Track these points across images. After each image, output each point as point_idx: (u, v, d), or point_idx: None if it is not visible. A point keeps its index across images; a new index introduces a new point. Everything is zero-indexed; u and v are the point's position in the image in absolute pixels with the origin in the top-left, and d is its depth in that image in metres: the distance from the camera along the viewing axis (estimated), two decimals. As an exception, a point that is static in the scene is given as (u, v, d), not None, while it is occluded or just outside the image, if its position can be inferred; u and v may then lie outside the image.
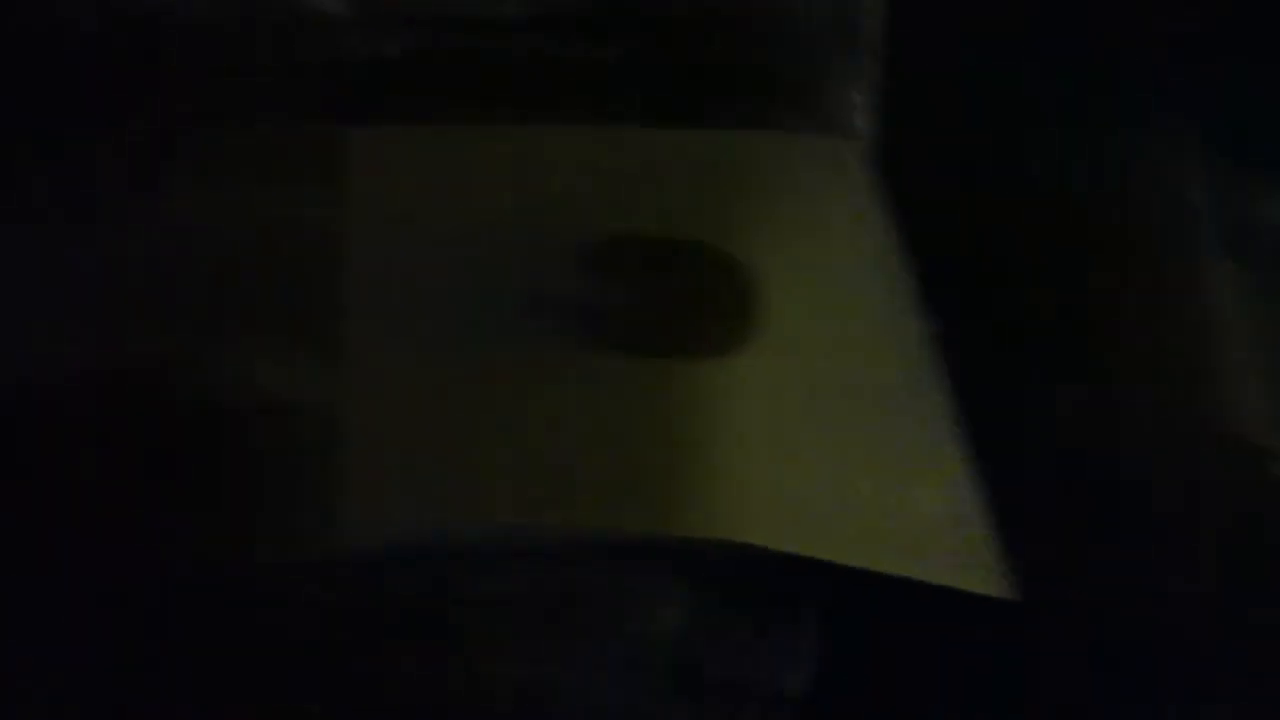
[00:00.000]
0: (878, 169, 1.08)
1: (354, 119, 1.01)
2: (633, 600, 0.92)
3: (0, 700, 0.86)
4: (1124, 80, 1.16)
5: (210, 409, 0.93)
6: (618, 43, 1.06)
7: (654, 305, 1.00)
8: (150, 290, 0.96)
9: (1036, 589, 0.91)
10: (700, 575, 0.92)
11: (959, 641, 0.94)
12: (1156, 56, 1.15)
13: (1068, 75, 1.16)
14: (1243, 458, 1.03)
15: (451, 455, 0.92)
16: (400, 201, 1.01)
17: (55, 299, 0.95)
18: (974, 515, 0.93)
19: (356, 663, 0.89)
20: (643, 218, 1.03)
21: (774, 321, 0.99)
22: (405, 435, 0.93)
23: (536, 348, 0.96)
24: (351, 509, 0.89)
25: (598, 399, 0.95)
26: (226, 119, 1.00)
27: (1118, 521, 0.99)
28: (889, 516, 0.93)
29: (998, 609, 0.91)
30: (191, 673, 0.87)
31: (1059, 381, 1.04)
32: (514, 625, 0.91)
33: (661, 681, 0.91)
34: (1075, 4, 1.18)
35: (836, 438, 0.96)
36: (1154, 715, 0.96)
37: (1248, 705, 0.95)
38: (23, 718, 0.86)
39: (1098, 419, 1.03)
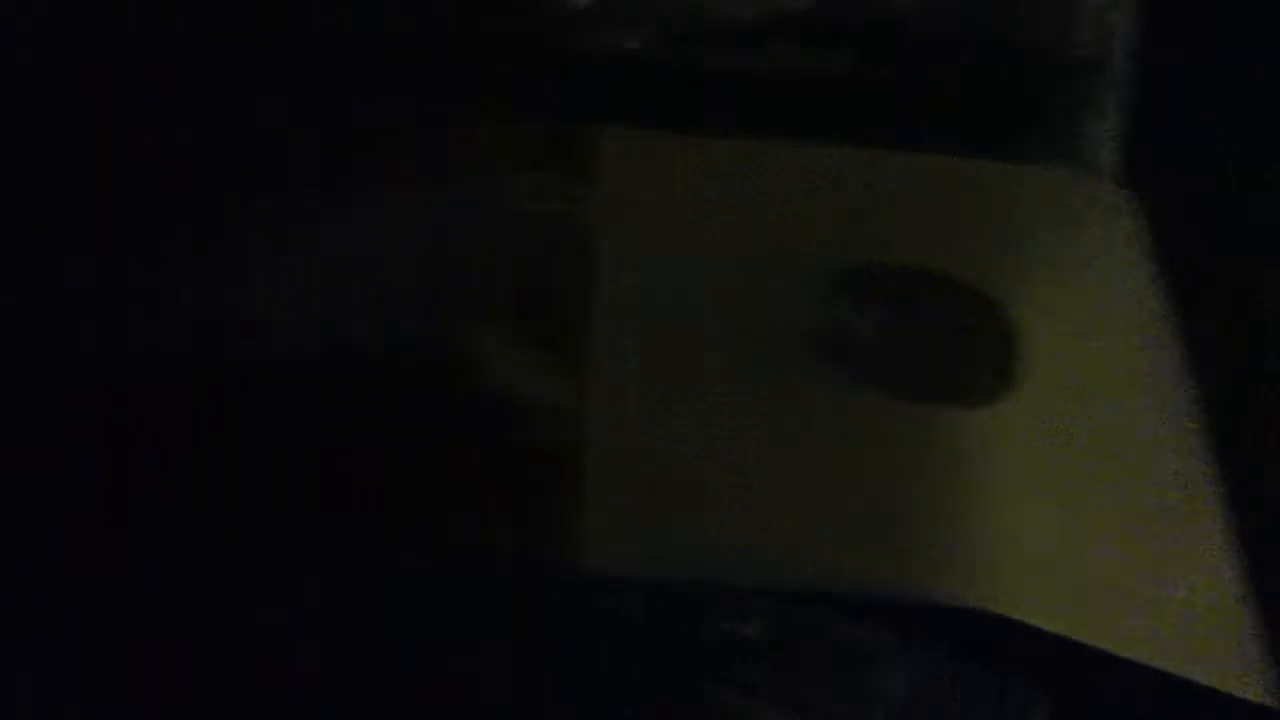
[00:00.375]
0: (1131, 207, 1.02)
1: (597, 116, 0.98)
2: (861, 656, 0.86)
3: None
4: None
5: (454, 400, 0.88)
6: (859, 57, 1.01)
7: (912, 344, 0.94)
8: (403, 279, 0.91)
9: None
10: (934, 637, 0.85)
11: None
12: None
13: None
14: None
15: (692, 484, 0.86)
16: (650, 207, 0.97)
17: (314, 284, 0.90)
18: (1237, 606, 0.87)
19: (573, 686, 0.82)
20: (895, 247, 0.97)
21: (1032, 370, 0.93)
22: (647, 455, 0.87)
23: (785, 376, 0.91)
24: (590, 528, 0.83)
25: (848, 439, 0.89)
26: (477, 112, 0.96)
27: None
28: (1144, 598, 0.86)
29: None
30: (393, 677, 0.81)
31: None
32: (735, 666, 0.84)
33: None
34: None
35: (1094, 505, 0.89)
36: None
37: None
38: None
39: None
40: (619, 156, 0.97)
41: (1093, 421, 0.91)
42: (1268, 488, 0.91)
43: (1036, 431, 0.90)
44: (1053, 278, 0.96)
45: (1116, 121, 1.03)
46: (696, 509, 0.84)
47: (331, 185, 0.92)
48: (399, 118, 0.94)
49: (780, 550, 0.84)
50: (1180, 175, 1.04)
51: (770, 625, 0.83)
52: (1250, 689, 0.83)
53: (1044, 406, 0.91)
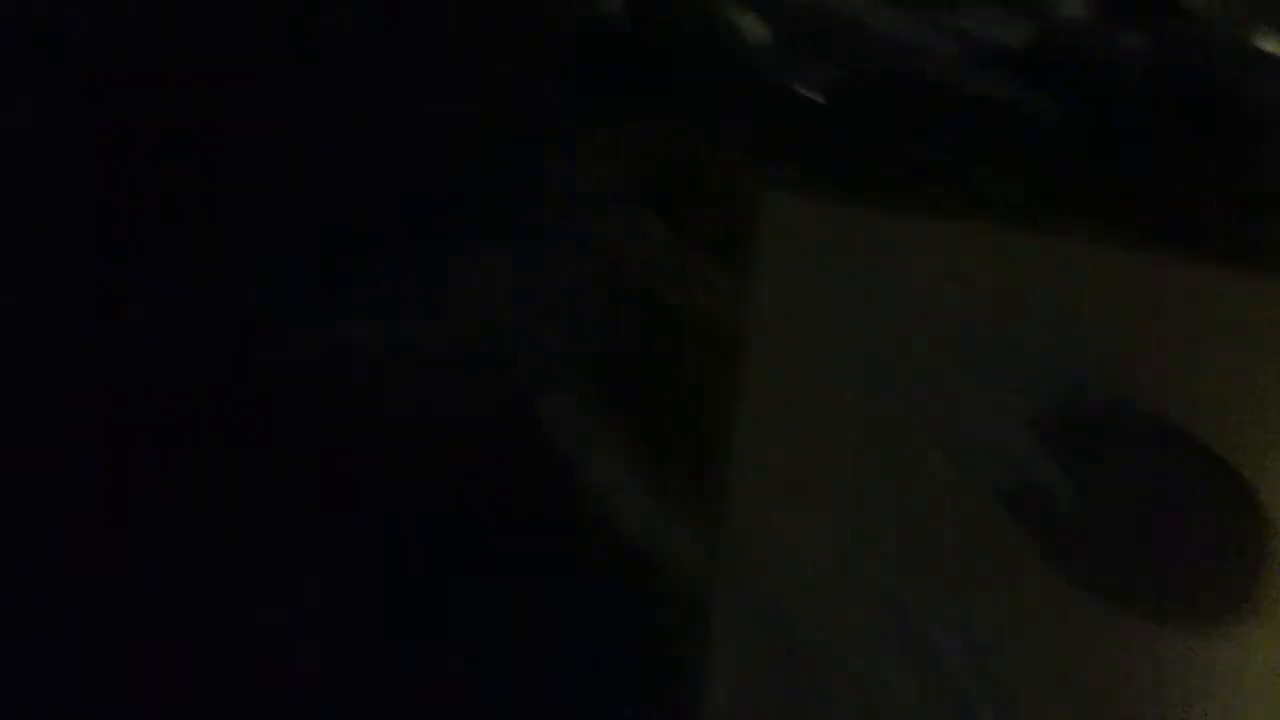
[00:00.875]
0: None
1: (762, 172, 0.84)
2: None
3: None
4: None
5: (555, 504, 0.75)
6: (1071, 108, 0.84)
7: (1128, 526, 0.73)
8: (510, 361, 0.79)
9: None
10: None
11: None
12: None
13: None
14: None
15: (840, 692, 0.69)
16: (809, 305, 0.80)
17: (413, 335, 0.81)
18: None
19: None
20: (1111, 377, 0.77)
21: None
22: (785, 644, 0.70)
23: (967, 554, 0.72)
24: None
25: (1048, 656, 0.70)
26: (639, 148, 0.83)
27: None
28: None
29: None
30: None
31: None
32: None
33: None
34: None
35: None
36: None
37: None
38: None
39: None
40: (780, 234, 0.81)
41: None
42: None
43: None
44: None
45: None
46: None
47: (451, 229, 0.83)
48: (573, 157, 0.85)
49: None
50: None
51: None
52: None
53: None
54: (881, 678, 0.69)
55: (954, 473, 0.74)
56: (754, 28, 0.82)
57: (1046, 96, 0.82)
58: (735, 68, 0.83)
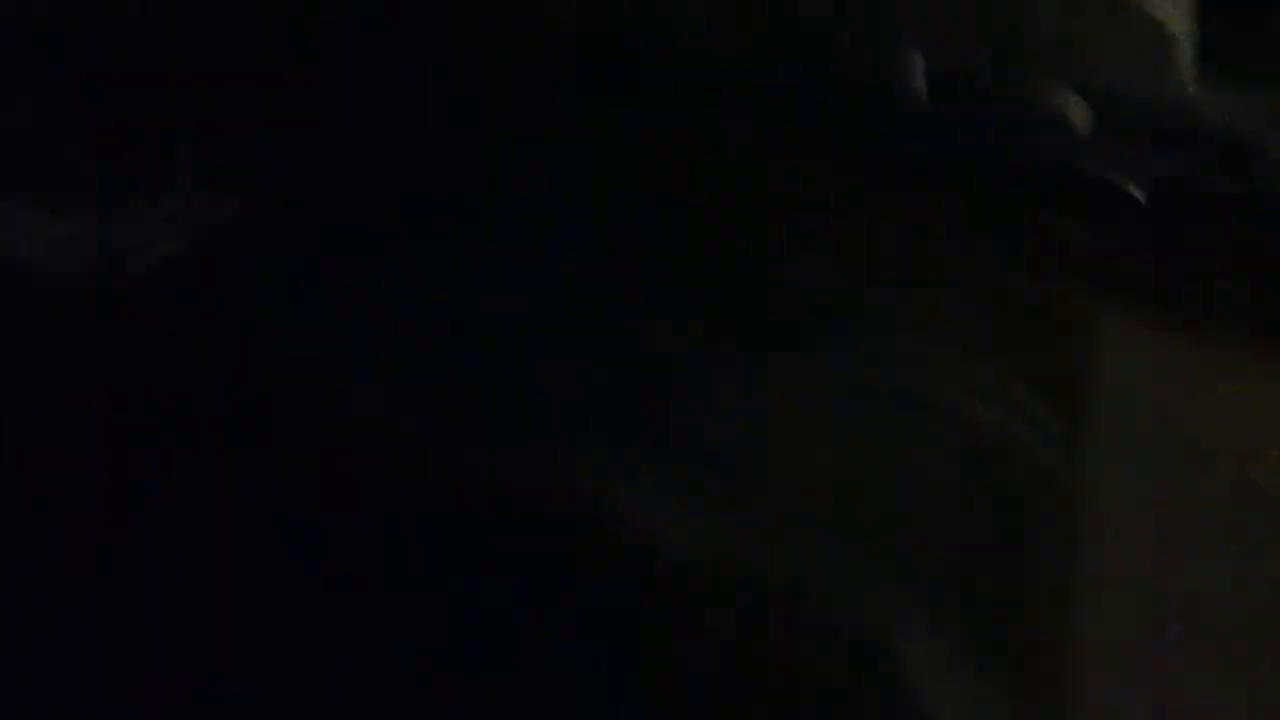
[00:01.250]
0: None
1: (1087, 282, 0.68)
2: None
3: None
4: None
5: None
6: None
7: None
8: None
9: None
10: None
11: None
12: None
13: None
14: None
15: None
16: (1158, 447, 0.73)
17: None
18: None
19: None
20: None
21: None
22: None
23: None
24: None
25: None
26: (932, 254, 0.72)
27: None
28: None
29: None
30: None
31: None
32: None
33: None
34: None
35: None
36: None
37: None
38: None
39: None
40: (1117, 357, 0.68)
41: None
42: None
43: None
44: None
45: None
46: None
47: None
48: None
49: None
50: None
51: None
52: None
53: None
54: None
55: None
56: (1079, 115, 0.67)
57: None
58: (1057, 164, 0.67)
